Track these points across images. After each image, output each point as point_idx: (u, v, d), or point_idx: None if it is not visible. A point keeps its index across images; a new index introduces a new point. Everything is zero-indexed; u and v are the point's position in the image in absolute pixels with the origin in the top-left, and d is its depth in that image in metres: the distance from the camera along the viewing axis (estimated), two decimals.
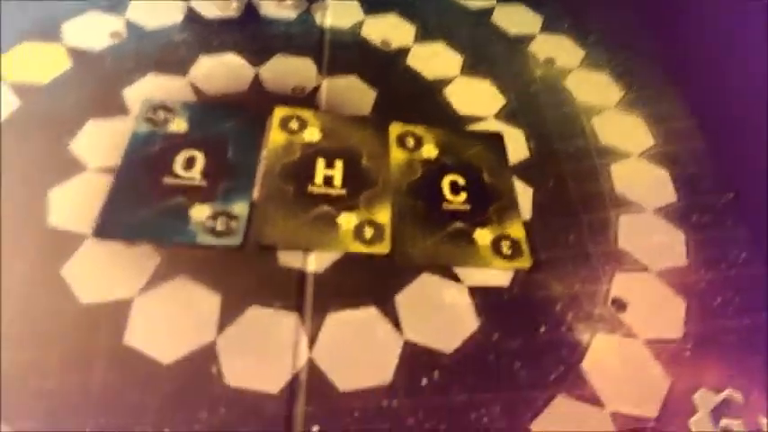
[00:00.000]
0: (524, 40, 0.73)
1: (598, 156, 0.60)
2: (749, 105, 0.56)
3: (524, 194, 0.56)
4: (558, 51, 0.72)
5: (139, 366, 0.42)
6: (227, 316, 0.45)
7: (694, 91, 0.67)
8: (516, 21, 0.74)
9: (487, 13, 0.75)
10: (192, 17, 0.67)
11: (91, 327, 0.43)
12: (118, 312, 0.44)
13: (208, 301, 0.46)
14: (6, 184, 0.49)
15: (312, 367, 0.43)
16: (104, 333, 0.43)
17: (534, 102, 0.65)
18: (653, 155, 0.61)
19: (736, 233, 0.55)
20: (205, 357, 0.43)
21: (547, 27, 0.74)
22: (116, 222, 0.49)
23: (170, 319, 0.44)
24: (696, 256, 0.53)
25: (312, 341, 0.45)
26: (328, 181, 0.55)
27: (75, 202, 0.50)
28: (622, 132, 0.63)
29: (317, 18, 0.71)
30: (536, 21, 0.75)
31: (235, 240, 0.49)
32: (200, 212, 0.51)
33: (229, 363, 0.43)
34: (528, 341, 0.47)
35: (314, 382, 0.43)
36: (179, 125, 0.57)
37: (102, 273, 0.46)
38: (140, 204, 0.50)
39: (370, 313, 0.47)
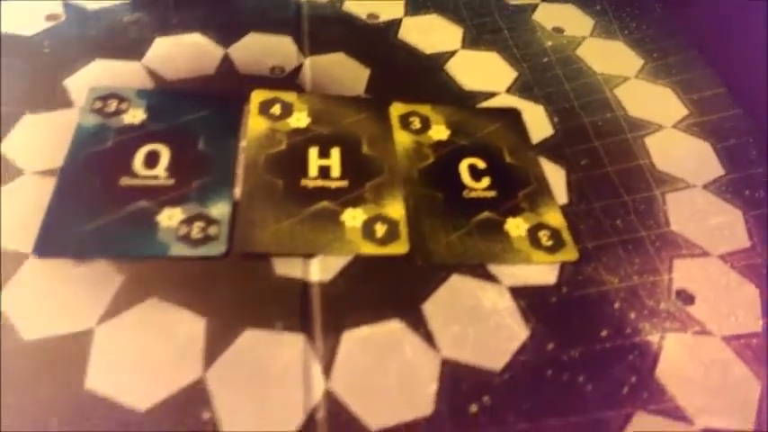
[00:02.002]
0: (527, 9, 0.65)
1: (630, 129, 0.52)
2: None
3: (555, 176, 0.48)
4: (564, 20, 0.64)
5: (106, 416, 0.31)
6: (216, 344, 0.35)
7: (720, 58, 0.59)
8: None
9: None
10: None
11: (40, 370, 0.32)
12: (74, 349, 0.34)
13: (189, 327, 0.36)
14: None
15: (332, 401, 0.34)
16: (59, 377, 0.32)
17: (549, 73, 0.56)
18: (688, 125, 0.53)
19: None
20: (193, 399, 0.33)
21: None
22: (63, 236, 0.38)
23: (142, 354, 0.34)
24: (759, 236, 0.45)
25: (327, 368, 0.35)
26: (324, 172, 0.45)
27: (10, 215, 0.39)
28: (651, 103, 0.55)
29: None
30: None
31: (217, 249, 0.39)
32: (170, 218, 0.40)
33: (225, 405, 0.33)
34: (589, 349, 0.38)
35: (336, 420, 0.33)
36: (135, 116, 0.47)
37: (49, 300, 0.35)
38: (92, 212, 0.40)
39: (394, 327, 0.37)
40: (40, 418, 0.31)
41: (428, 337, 0.37)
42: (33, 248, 0.38)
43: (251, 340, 0.36)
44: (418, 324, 0.38)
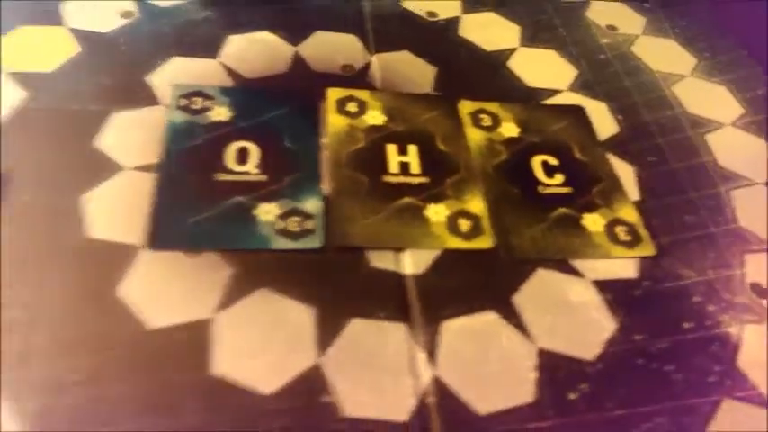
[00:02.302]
0: (579, 7, 0.66)
1: (691, 126, 0.54)
2: None
3: (624, 173, 0.49)
4: (616, 18, 0.66)
5: (237, 400, 0.33)
6: (326, 332, 0.37)
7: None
8: None
9: None
10: None
11: (167, 357, 0.34)
12: (195, 336, 0.35)
13: (300, 316, 0.37)
14: (24, 191, 0.40)
15: (440, 387, 0.35)
16: (186, 363, 0.34)
17: (608, 71, 0.58)
18: (746, 124, 0.55)
19: None
20: (312, 384, 0.35)
21: None
22: (171, 230, 0.40)
23: (261, 340, 0.36)
24: None
25: (432, 356, 0.36)
26: (404, 168, 0.47)
27: (115, 208, 0.40)
28: (708, 101, 0.57)
29: None
30: None
31: (314, 243, 0.41)
32: (267, 212, 0.42)
33: (342, 389, 0.35)
34: (675, 340, 0.40)
35: (446, 404, 0.35)
36: (221, 113, 0.48)
37: (167, 290, 0.37)
38: (195, 207, 0.41)
39: (489, 319, 0.39)
40: (173, 402, 0.33)
41: (522, 329, 0.39)
42: (147, 242, 0.39)
43: (357, 329, 0.38)
44: (511, 316, 0.40)
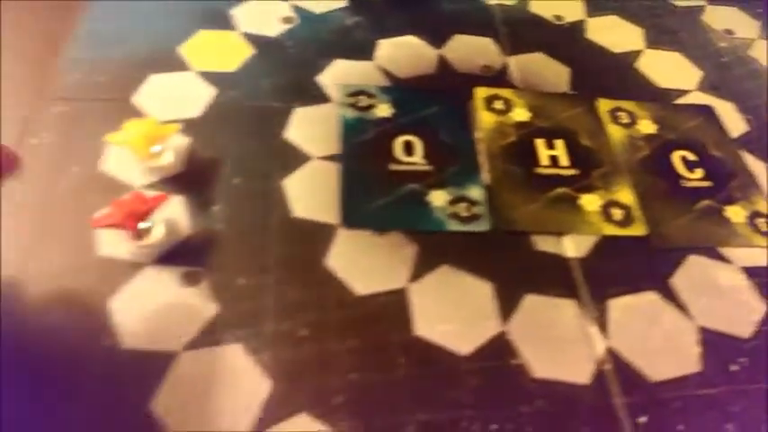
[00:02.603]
0: (694, 11, 0.69)
1: None
2: None
3: (758, 169, 0.53)
4: (732, 23, 0.69)
5: (437, 359, 0.39)
6: (506, 305, 0.42)
7: None
8: None
9: None
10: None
11: (376, 319, 0.40)
12: (396, 303, 0.41)
13: (480, 290, 0.42)
14: (234, 175, 0.46)
15: (614, 356, 0.40)
16: (392, 325, 0.40)
17: (731, 73, 0.62)
18: None
19: None
20: (500, 348, 0.40)
21: None
22: (360, 212, 0.45)
23: (451, 309, 0.41)
24: None
25: (603, 329, 0.41)
26: (555, 161, 0.51)
27: (311, 192, 0.46)
28: None
29: None
30: None
31: (483, 226, 0.46)
32: (438, 198, 0.47)
33: (528, 354, 0.39)
34: None
35: (622, 371, 0.39)
36: (384, 110, 0.53)
37: (365, 263, 0.42)
38: (376, 193, 0.47)
39: (651, 298, 0.43)
40: (385, 357, 0.38)
41: (682, 308, 0.43)
42: (342, 222, 0.45)
43: (533, 303, 0.42)
44: (670, 296, 0.44)
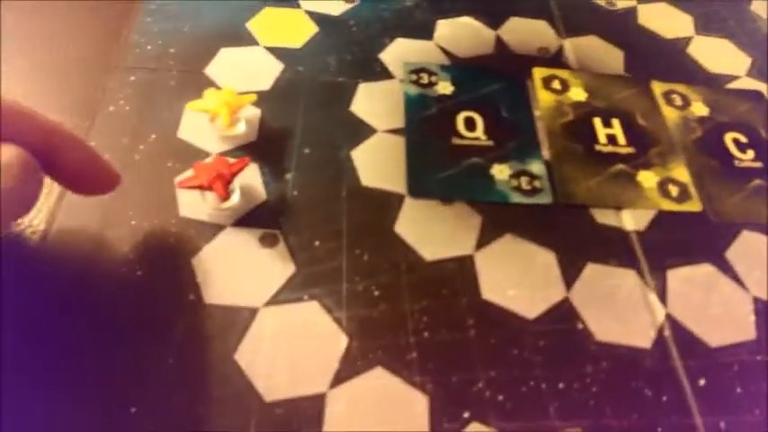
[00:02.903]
0: (743, 1, 0.70)
1: None
2: None
3: None
4: None
5: (506, 321, 0.41)
6: (568, 273, 0.44)
7: None
8: None
9: None
10: None
11: (445, 283, 0.42)
12: (464, 269, 0.43)
13: (544, 259, 0.44)
14: (304, 146, 0.48)
15: (674, 323, 0.42)
16: (461, 289, 0.42)
17: None
18: None
19: None
20: (565, 313, 0.41)
21: None
22: (426, 182, 0.48)
23: (516, 275, 0.43)
24: None
25: (662, 298, 0.43)
26: (612, 139, 0.53)
27: (378, 163, 0.48)
28: None
29: None
30: None
31: (545, 199, 0.48)
32: (501, 172, 0.49)
33: (591, 319, 0.41)
34: None
35: (681, 337, 0.41)
36: (445, 88, 0.55)
37: (433, 231, 0.45)
38: (440, 165, 0.49)
39: (708, 270, 0.45)
40: (456, 318, 0.41)
41: (737, 280, 0.45)
42: (408, 191, 0.47)
43: (594, 272, 0.44)
44: (726, 268, 0.45)
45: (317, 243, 0.43)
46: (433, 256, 0.43)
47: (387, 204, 0.46)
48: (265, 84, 0.53)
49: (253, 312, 0.39)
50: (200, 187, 0.41)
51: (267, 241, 0.42)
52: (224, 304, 0.39)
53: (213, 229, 0.43)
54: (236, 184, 0.44)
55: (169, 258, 0.42)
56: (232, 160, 0.44)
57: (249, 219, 0.43)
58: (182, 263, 0.41)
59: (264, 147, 0.48)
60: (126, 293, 0.39)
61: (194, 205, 0.44)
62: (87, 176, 0.38)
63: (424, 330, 0.40)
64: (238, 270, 0.41)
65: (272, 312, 0.39)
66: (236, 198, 0.44)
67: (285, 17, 0.60)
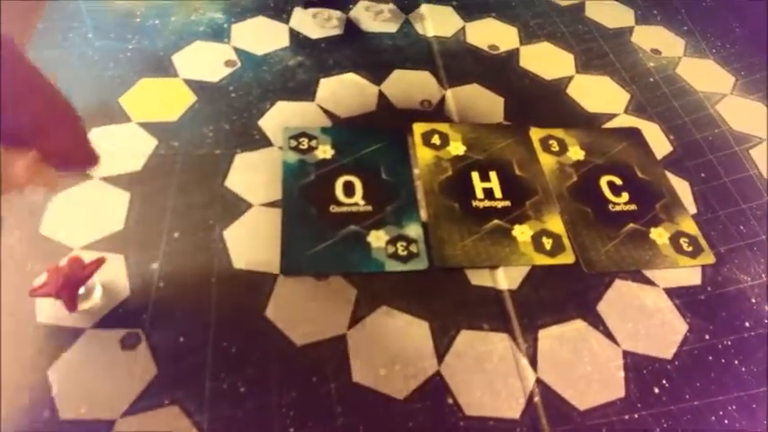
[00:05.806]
0: (625, 32, 0.72)
1: (736, 142, 0.60)
2: None
3: (681, 188, 0.56)
4: (659, 42, 0.72)
5: (375, 404, 0.41)
6: (441, 343, 0.44)
7: None
8: (609, 15, 0.75)
9: (579, 8, 0.75)
10: (298, 39, 0.65)
11: (315, 369, 0.42)
12: (336, 351, 0.43)
13: (417, 330, 0.45)
14: (174, 229, 0.47)
15: (543, 388, 0.42)
16: (331, 374, 0.42)
17: (657, 93, 0.65)
18: None
19: None
20: (435, 389, 0.42)
21: (640, 19, 0.74)
22: (300, 259, 0.47)
23: (389, 352, 0.43)
24: None
25: (533, 361, 0.43)
26: (489, 193, 0.54)
27: (252, 241, 0.48)
28: (748, 118, 0.63)
29: (419, 29, 0.70)
30: (628, 13, 0.75)
31: (421, 264, 0.48)
32: (378, 239, 0.49)
33: (462, 393, 0.42)
34: (739, 338, 0.46)
35: (550, 402, 0.42)
36: (325, 152, 0.55)
37: (305, 310, 0.45)
38: (317, 237, 0.49)
39: (579, 326, 0.46)
40: (323, 408, 0.40)
41: (608, 334, 0.46)
42: (281, 270, 0.46)
43: (467, 338, 0.45)
44: (597, 322, 0.46)
45: (181, 339, 0.42)
46: (303, 339, 0.43)
47: (259, 286, 0.45)
48: (136, 164, 0.52)
49: (109, 426, 0.38)
50: (50, 296, 0.40)
51: (129, 342, 0.41)
52: (79, 419, 0.38)
53: (72, 333, 0.42)
54: (97, 280, 0.43)
55: (25, 373, 0.40)
56: (89, 259, 0.42)
57: (111, 318, 0.43)
58: (37, 378, 0.40)
59: (131, 236, 0.47)
60: None
61: (54, 308, 0.42)
62: (74, 155, 0.36)
63: (290, 427, 0.39)
64: (97, 378, 0.40)
65: (128, 424, 0.38)
66: (97, 296, 0.43)
67: (162, 88, 0.59)
